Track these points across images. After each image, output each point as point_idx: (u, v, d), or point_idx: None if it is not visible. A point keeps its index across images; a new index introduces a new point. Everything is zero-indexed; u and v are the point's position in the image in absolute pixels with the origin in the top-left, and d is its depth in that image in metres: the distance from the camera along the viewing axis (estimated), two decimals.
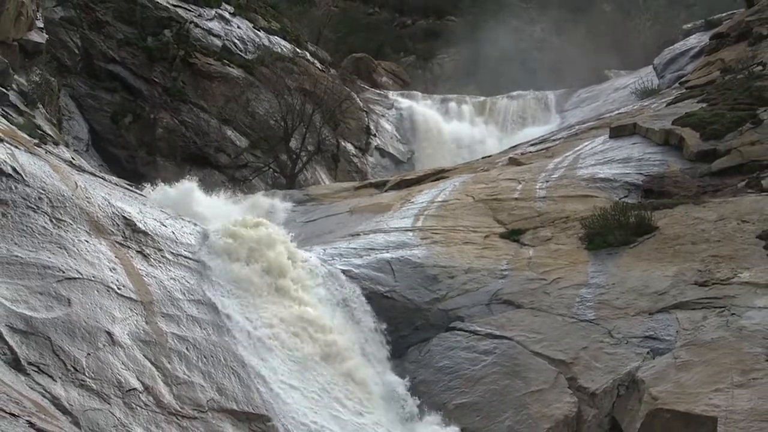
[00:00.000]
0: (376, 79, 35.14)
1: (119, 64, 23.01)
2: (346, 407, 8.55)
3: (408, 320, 10.13)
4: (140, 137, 22.40)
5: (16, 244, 7.46)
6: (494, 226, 12.47)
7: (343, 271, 10.62)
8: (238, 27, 27.31)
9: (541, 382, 8.68)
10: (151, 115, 22.78)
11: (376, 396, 9.05)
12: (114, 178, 12.32)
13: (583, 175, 13.82)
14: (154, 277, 8.45)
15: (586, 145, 16.10)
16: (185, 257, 9.29)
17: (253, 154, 23.85)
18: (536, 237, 11.76)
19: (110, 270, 7.99)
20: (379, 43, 40.38)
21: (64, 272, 7.47)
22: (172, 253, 9.15)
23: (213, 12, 26.65)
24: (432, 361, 9.48)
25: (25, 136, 10.37)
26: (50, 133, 13.26)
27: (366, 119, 28.72)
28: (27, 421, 4.72)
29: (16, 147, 8.96)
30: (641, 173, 13.44)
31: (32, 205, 8.02)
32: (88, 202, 8.81)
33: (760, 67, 15.90)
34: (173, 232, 9.66)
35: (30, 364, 6.31)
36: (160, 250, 9.04)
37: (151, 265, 8.64)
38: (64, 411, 6.11)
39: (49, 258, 7.53)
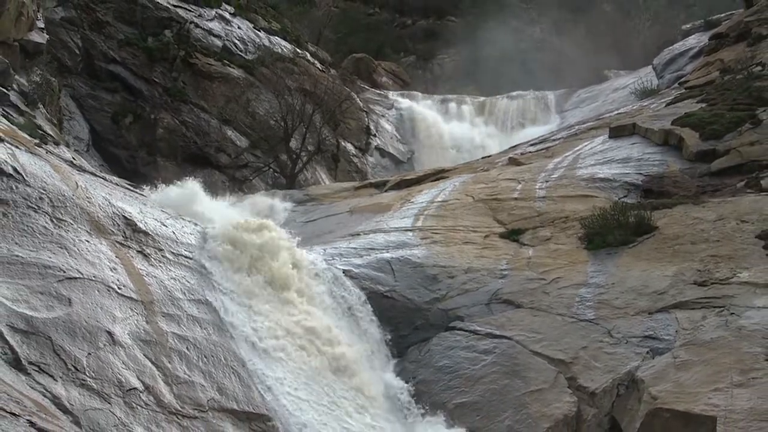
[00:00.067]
0: (376, 79, 35.17)
1: (120, 65, 23.04)
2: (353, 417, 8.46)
3: (408, 320, 10.15)
4: (141, 137, 22.42)
5: (16, 243, 7.48)
6: (494, 225, 12.49)
7: (344, 271, 10.63)
8: (239, 27, 27.34)
9: (540, 382, 8.69)
10: (151, 116, 22.80)
11: (381, 401, 8.96)
12: (114, 178, 12.34)
13: (583, 175, 13.84)
14: (155, 276, 8.47)
15: (585, 145, 16.12)
16: (186, 257, 9.31)
17: (254, 154, 23.88)
18: (536, 237, 11.78)
19: (111, 270, 8.00)
20: (380, 43, 40.41)
21: (64, 272, 7.48)
22: (172, 252, 9.17)
23: (213, 12, 26.68)
24: (432, 360, 9.50)
25: (26, 136, 10.39)
26: (51, 133, 13.27)
27: (366, 119, 28.74)
28: (28, 420, 4.74)
29: (17, 147, 8.98)
30: (641, 173, 13.46)
31: (33, 205, 8.04)
32: (88, 202, 8.82)
33: (759, 68, 15.91)
34: (174, 232, 9.68)
35: (31, 363, 6.33)
36: (161, 249, 9.06)
37: (152, 265, 8.66)
38: (65, 410, 6.13)
39: (50, 258, 7.54)
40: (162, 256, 8.97)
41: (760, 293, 8.86)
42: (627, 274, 10.05)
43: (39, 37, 15.62)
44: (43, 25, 16.75)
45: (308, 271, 10.34)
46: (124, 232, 8.86)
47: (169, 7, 24.87)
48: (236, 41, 26.51)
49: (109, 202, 9.19)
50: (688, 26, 28.75)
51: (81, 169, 10.51)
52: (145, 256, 8.75)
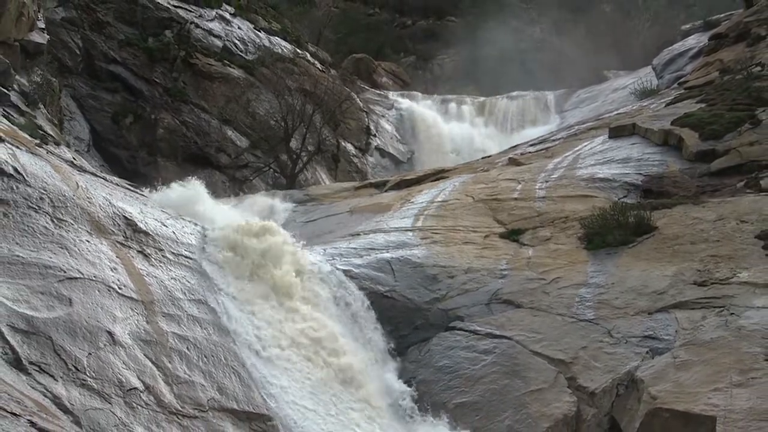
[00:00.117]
0: (376, 79, 35.20)
1: (120, 65, 23.06)
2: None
3: (408, 320, 10.15)
4: (141, 137, 22.44)
5: (17, 243, 7.49)
6: (494, 226, 12.50)
7: (344, 271, 10.63)
8: (239, 28, 27.36)
9: (540, 382, 8.70)
10: (152, 116, 22.82)
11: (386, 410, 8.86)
12: (115, 178, 12.34)
13: (583, 176, 13.85)
14: (155, 276, 8.48)
15: (585, 146, 16.12)
16: (186, 257, 9.32)
17: (254, 155, 23.90)
18: (536, 237, 11.79)
19: (111, 270, 8.02)
20: (380, 43, 40.44)
21: (65, 272, 7.50)
22: (173, 252, 9.18)
23: (214, 13, 26.70)
24: (432, 360, 9.51)
25: (27, 136, 10.40)
26: (51, 133, 13.29)
27: (366, 119, 28.75)
28: (28, 420, 4.75)
29: (18, 147, 9.00)
30: (640, 173, 13.47)
31: (33, 205, 8.05)
32: (89, 202, 8.84)
33: (758, 68, 15.91)
34: (174, 232, 9.69)
35: (31, 363, 6.34)
36: (161, 250, 9.07)
37: (152, 265, 8.67)
38: (65, 410, 6.14)
39: (51, 258, 7.56)
40: (162, 256, 8.98)
41: (759, 293, 8.87)
42: (627, 274, 10.06)
43: (39, 38, 15.64)
44: (43, 26, 16.76)
45: (313, 275, 10.13)
46: (125, 232, 8.88)
47: (170, 7, 24.90)
48: (236, 41, 26.53)
49: (110, 203, 9.20)
50: (687, 26, 28.76)
51: (81, 170, 10.52)
52: (146, 256, 8.76)
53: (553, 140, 19.03)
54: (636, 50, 33.69)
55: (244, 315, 8.95)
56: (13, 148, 8.78)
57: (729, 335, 8.27)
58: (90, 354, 6.80)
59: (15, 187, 8.07)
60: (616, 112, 20.65)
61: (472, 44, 37.26)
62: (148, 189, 11.95)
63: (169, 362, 7.40)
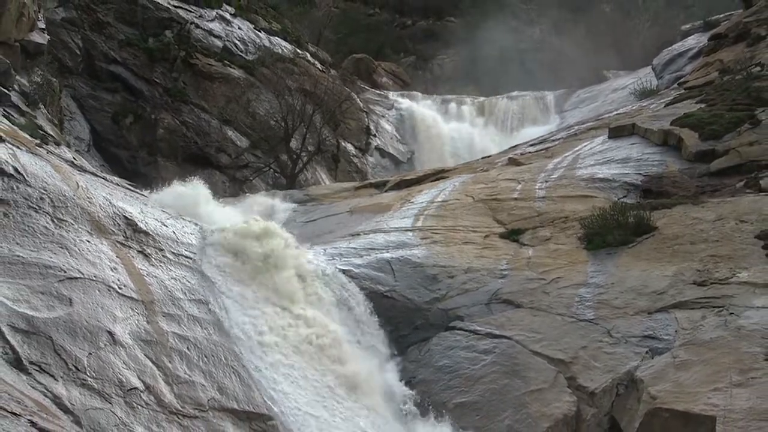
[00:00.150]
0: (377, 79, 35.22)
1: (120, 65, 23.08)
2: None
3: (408, 320, 10.16)
4: (141, 138, 22.47)
5: (17, 243, 7.50)
6: (494, 226, 12.51)
7: (344, 271, 10.64)
8: (239, 28, 27.38)
9: (540, 382, 8.70)
10: (152, 116, 22.84)
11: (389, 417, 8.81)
12: (115, 178, 12.36)
13: (582, 176, 13.85)
14: (155, 276, 8.48)
15: (585, 146, 16.13)
16: (186, 257, 9.32)
17: (254, 155, 23.92)
18: (535, 237, 11.80)
19: (111, 270, 8.02)
20: (380, 43, 40.47)
21: (65, 272, 7.50)
22: (173, 252, 9.19)
23: (214, 13, 26.72)
24: (432, 360, 9.52)
25: (27, 136, 10.41)
26: (52, 133, 13.30)
27: (366, 120, 28.77)
28: (29, 420, 4.76)
29: (18, 147, 9.01)
30: (640, 173, 13.48)
31: (34, 205, 8.06)
32: (89, 202, 8.85)
33: (758, 68, 15.92)
34: (174, 232, 9.69)
35: (31, 363, 6.35)
36: (161, 249, 9.08)
37: (152, 265, 8.68)
38: (66, 410, 6.14)
39: (51, 258, 7.56)
40: (163, 256, 8.99)
41: (759, 293, 8.87)
42: (626, 274, 10.07)
43: (40, 38, 15.65)
44: (44, 26, 16.78)
45: (316, 278, 10.00)
46: (125, 232, 8.89)
47: (170, 7, 24.92)
48: (237, 42, 26.55)
49: (110, 203, 9.21)
50: (687, 27, 28.78)
51: (82, 170, 10.53)
52: (146, 256, 8.77)
53: (553, 140, 19.04)
54: (636, 50, 33.72)
55: (246, 320, 8.84)
56: (14, 148, 8.79)
57: (728, 335, 8.27)
58: (90, 354, 6.81)
59: (15, 187, 8.08)
60: (615, 113, 20.67)
61: (472, 44, 37.29)
62: (149, 190, 11.84)
63: (170, 362, 7.40)
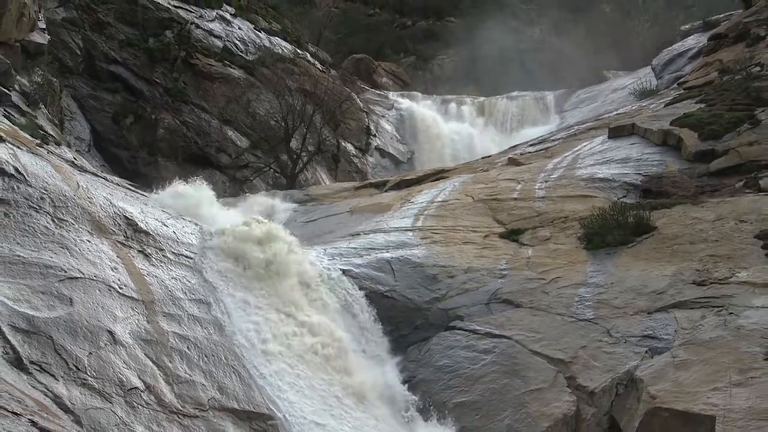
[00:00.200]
0: (377, 79, 35.23)
1: (121, 65, 23.10)
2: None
3: (408, 319, 10.17)
4: (142, 138, 22.49)
5: (18, 243, 7.51)
6: (493, 225, 12.52)
7: (344, 271, 10.65)
8: (239, 28, 27.39)
9: (540, 381, 8.71)
10: (152, 116, 22.86)
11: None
12: (115, 178, 12.37)
13: (582, 176, 13.87)
14: (156, 276, 8.50)
15: (584, 146, 16.14)
16: (187, 257, 9.33)
17: (254, 155, 23.94)
18: (535, 237, 11.81)
19: (112, 269, 8.04)
20: (380, 44, 40.48)
21: (66, 272, 7.52)
22: (173, 252, 9.20)
23: (214, 13, 26.74)
24: (432, 360, 9.53)
25: (28, 136, 10.43)
26: (52, 133, 13.32)
27: (366, 120, 28.79)
28: (29, 419, 4.77)
29: (19, 147, 9.02)
30: (640, 173, 13.49)
31: (34, 205, 8.07)
32: (89, 202, 8.86)
33: (758, 68, 15.93)
34: (174, 232, 9.70)
35: (32, 363, 6.36)
36: (162, 249, 9.09)
37: (153, 265, 8.69)
38: (66, 410, 6.15)
39: (51, 258, 7.58)
40: (163, 255, 9.00)
41: (758, 293, 8.88)
42: (626, 273, 10.08)
43: (40, 38, 15.67)
44: (44, 26, 16.79)
45: (321, 282, 9.89)
46: (125, 232, 8.90)
47: (170, 8, 24.93)
48: (237, 42, 26.57)
49: (110, 202, 9.22)
50: (687, 27, 28.79)
51: (82, 170, 10.55)
52: (146, 255, 8.78)
53: (553, 140, 19.06)
54: (636, 50, 33.74)
55: (250, 326, 8.75)
56: (14, 148, 8.81)
57: (728, 335, 8.29)
58: (91, 353, 6.82)
59: (16, 187, 8.09)
60: (615, 113, 20.68)
61: (472, 44, 37.31)
62: (150, 190, 11.75)
63: (170, 362, 7.42)
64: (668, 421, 7.36)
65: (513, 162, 17.38)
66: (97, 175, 10.86)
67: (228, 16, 27.35)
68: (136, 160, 22.20)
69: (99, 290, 7.58)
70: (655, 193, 12.82)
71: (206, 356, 7.85)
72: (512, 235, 12.01)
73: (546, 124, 28.20)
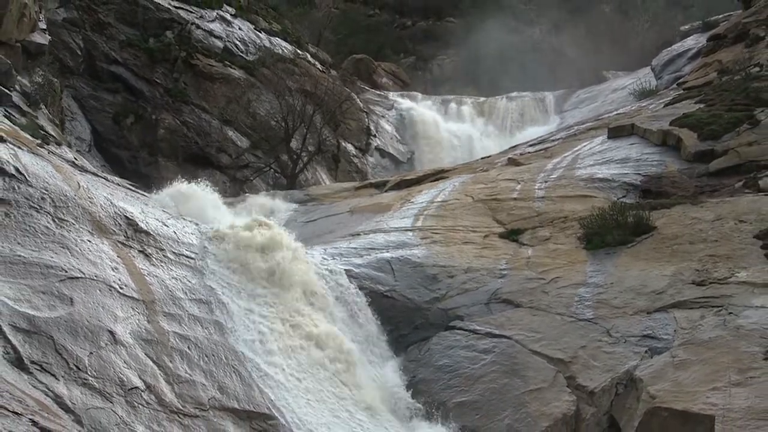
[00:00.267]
0: (377, 80, 35.24)
1: (121, 65, 23.12)
2: None
3: (408, 319, 10.19)
4: (142, 138, 22.51)
5: (19, 243, 7.52)
6: (493, 225, 12.54)
7: (344, 271, 10.66)
8: (240, 28, 27.41)
9: (539, 381, 8.73)
10: (152, 116, 22.88)
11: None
12: (116, 178, 12.39)
13: (582, 176, 13.88)
14: (156, 276, 8.51)
15: (584, 146, 16.16)
16: (187, 257, 9.35)
17: (254, 155, 23.96)
18: (535, 237, 11.82)
19: (112, 269, 8.05)
20: (380, 44, 40.49)
21: (66, 272, 7.53)
22: (174, 252, 9.21)
23: (214, 14, 26.76)
24: (432, 359, 9.54)
25: (28, 136, 10.45)
26: (53, 133, 13.33)
27: (366, 120, 28.80)
28: (30, 419, 4.79)
29: (19, 147, 9.04)
30: (639, 173, 13.51)
31: (35, 205, 8.09)
32: (90, 202, 8.87)
33: (757, 68, 15.95)
34: (175, 232, 9.72)
35: (33, 362, 6.37)
36: (162, 249, 9.10)
37: (153, 265, 8.70)
38: (67, 409, 6.17)
39: (52, 257, 7.59)
40: (163, 255, 9.01)
41: (758, 293, 8.90)
42: (625, 273, 10.09)
43: (41, 38, 15.68)
44: (45, 26, 16.80)
45: (329, 290, 9.79)
46: (126, 232, 8.91)
47: (171, 8, 24.96)
48: (237, 42, 26.59)
49: (111, 203, 9.24)
50: (686, 27, 28.82)
51: (83, 170, 10.56)
52: (147, 255, 8.79)
53: (553, 140, 19.08)
54: (635, 51, 33.76)
55: (255, 336, 8.65)
56: (15, 149, 8.82)
57: (727, 334, 8.30)
58: (91, 353, 6.84)
59: (17, 187, 8.11)
60: (615, 113, 20.70)
61: (472, 45, 37.34)
62: (151, 190, 11.73)
63: (170, 361, 7.43)
64: (668, 420, 7.36)
65: (513, 162, 17.40)
66: (97, 175, 10.88)
67: (228, 17, 27.37)
68: (137, 160, 22.21)
69: (99, 290, 7.59)
70: (654, 193, 12.84)
71: (206, 356, 7.87)
72: (512, 235, 12.02)
73: (546, 125, 28.23)
